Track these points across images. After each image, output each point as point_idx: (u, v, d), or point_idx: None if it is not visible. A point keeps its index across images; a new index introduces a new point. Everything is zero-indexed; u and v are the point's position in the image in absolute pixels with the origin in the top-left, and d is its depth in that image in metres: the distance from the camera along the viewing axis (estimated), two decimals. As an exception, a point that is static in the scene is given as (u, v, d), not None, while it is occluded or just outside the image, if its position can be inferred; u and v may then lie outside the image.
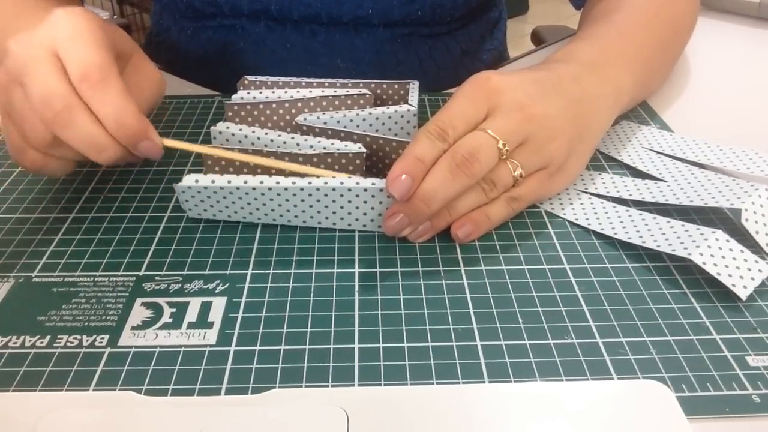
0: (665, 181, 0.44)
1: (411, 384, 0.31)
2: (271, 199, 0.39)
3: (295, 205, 0.40)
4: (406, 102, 0.47)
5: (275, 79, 0.49)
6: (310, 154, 0.40)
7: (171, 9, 0.67)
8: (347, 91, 0.47)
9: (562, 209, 0.42)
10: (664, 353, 0.32)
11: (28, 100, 0.37)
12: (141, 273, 0.38)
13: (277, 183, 0.39)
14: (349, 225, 0.41)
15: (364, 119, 0.45)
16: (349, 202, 0.39)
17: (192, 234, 0.41)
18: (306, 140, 0.42)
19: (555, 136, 0.40)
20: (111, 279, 0.38)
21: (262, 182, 0.39)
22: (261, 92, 0.48)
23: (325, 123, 0.44)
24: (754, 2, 0.73)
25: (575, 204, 0.43)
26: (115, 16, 1.90)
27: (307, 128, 0.44)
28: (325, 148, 0.41)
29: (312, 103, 0.46)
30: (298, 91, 0.47)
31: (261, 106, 0.46)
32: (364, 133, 0.43)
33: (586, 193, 0.43)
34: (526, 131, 0.39)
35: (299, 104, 0.46)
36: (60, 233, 0.41)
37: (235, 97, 0.47)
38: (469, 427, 0.28)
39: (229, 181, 0.39)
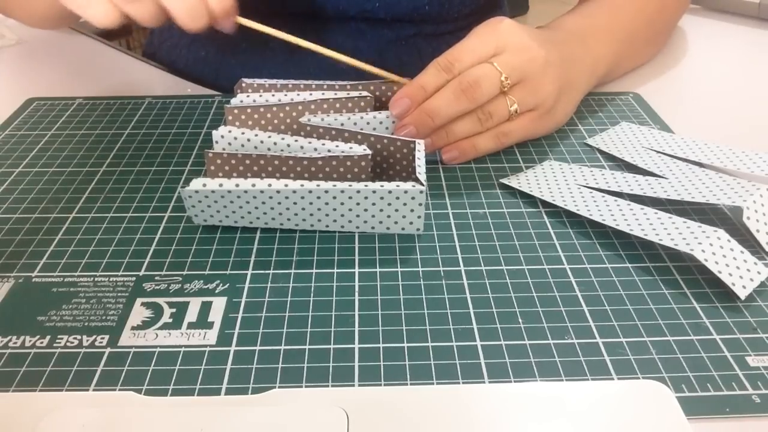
0: (666, 178, 0.44)
1: (411, 384, 0.31)
2: (279, 203, 0.39)
3: (303, 208, 0.39)
4: None
5: (273, 81, 0.49)
6: (314, 157, 0.40)
7: None
8: (348, 94, 0.47)
9: (563, 199, 0.42)
10: (664, 353, 0.32)
11: None
12: (141, 273, 0.38)
13: (286, 186, 0.38)
14: (357, 228, 0.41)
15: (368, 123, 0.45)
16: (358, 204, 0.39)
17: (192, 234, 0.41)
18: (310, 143, 0.42)
19: (549, 80, 0.46)
20: (111, 279, 0.38)
21: (270, 185, 0.38)
22: (260, 95, 0.47)
23: (329, 124, 0.44)
24: (754, 2, 0.73)
25: (576, 196, 0.43)
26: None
27: (311, 128, 0.44)
28: (329, 151, 0.41)
29: (313, 106, 0.46)
30: (298, 94, 0.47)
31: (261, 109, 0.45)
32: (368, 133, 0.43)
33: (587, 187, 0.43)
34: (526, 70, 0.45)
35: (300, 107, 0.45)
36: (60, 233, 0.41)
37: (235, 101, 0.47)
38: (469, 427, 0.28)
39: (237, 185, 0.38)
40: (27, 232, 0.41)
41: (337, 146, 0.41)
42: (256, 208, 0.39)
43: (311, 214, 0.40)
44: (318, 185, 0.38)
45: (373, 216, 0.40)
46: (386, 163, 0.43)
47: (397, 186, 0.38)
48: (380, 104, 0.49)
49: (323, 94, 0.47)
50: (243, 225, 0.41)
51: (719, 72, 0.63)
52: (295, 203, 0.39)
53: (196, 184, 0.39)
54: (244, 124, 0.46)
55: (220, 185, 0.38)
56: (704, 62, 0.65)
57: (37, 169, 0.48)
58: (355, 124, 0.45)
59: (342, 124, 0.44)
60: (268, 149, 0.42)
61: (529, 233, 0.41)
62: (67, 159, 0.49)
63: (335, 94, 0.47)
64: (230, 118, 0.45)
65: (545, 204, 0.43)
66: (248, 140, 0.42)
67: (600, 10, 0.56)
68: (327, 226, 0.40)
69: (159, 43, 0.71)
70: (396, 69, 0.63)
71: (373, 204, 0.39)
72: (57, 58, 0.69)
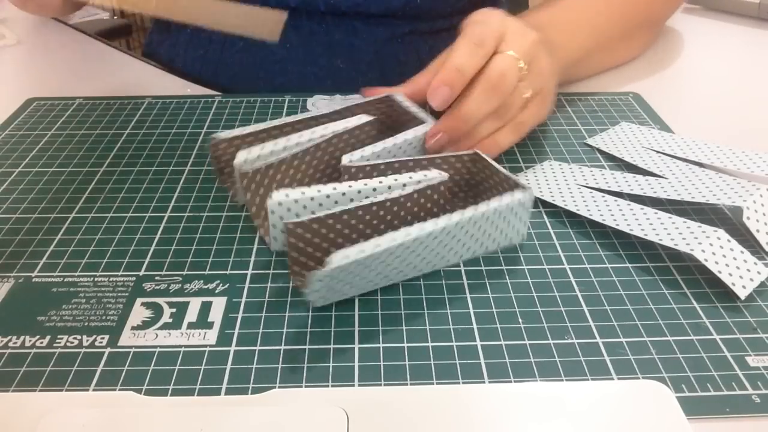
0: (666, 178, 0.44)
1: (411, 384, 0.31)
2: (399, 257, 0.35)
3: (419, 255, 0.36)
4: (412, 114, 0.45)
5: (249, 130, 0.43)
6: (397, 196, 0.37)
7: None
8: (347, 125, 0.43)
9: (563, 199, 0.42)
10: (664, 353, 0.32)
11: None
12: (141, 273, 0.38)
13: (411, 238, 0.34)
14: (474, 254, 0.39)
15: (400, 147, 0.42)
16: (472, 231, 0.37)
17: (192, 234, 0.41)
18: (381, 182, 0.38)
19: (547, 61, 0.46)
20: (111, 279, 0.38)
21: (397, 243, 0.33)
22: (259, 149, 0.41)
23: (368, 160, 0.41)
24: (754, 2, 0.73)
25: (576, 196, 0.43)
26: (115, 17, 1.90)
27: (356, 169, 0.40)
28: (405, 185, 0.38)
29: (324, 145, 0.42)
30: (297, 144, 0.42)
31: (271, 172, 0.40)
32: (419, 157, 0.41)
33: (587, 187, 0.43)
34: (532, 53, 0.44)
35: (314, 155, 0.41)
36: (60, 233, 0.41)
37: (243, 164, 0.40)
38: (469, 427, 0.28)
39: (363, 250, 0.32)
40: (27, 232, 0.41)
41: (410, 177, 0.38)
42: (375, 271, 0.35)
43: (423, 258, 0.36)
44: (449, 222, 0.35)
45: (489, 236, 0.38)
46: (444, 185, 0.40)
47: (511, 197, 0.37)
48: (385, 122, 0.47)
49: (323, 135, 0.42)
50: (358, 293, 0.36)
51: (719, 72, 0.63)
52: (413, 252, 0.35)
53: (334, 260, 0.32)
54: (268, 189, 0.40)
55: (346, 256, 0.32)
56: (704, 62, 0.65)
57: (37, 169, 0.48)
58: (389, 152, 0.42)
59: (378, 156, 0.41)
60: (336, 202, 0.38)
61: (529, 233, 0.41)
62: (67, 159, 0.49)
63: (334, 129, 0.43)
64: (248, 183, 0.40)
65: (545, 204, 0.43)
66: (311, 199, 0.37)
67: (567, 3, 0.55)
68: (449, 261, 0.38)
69: (158, 42, 0.71)
70: (394, 66, 0.64)
71: (490, 224, 0.37)
72: (57, 58, 0.69)
